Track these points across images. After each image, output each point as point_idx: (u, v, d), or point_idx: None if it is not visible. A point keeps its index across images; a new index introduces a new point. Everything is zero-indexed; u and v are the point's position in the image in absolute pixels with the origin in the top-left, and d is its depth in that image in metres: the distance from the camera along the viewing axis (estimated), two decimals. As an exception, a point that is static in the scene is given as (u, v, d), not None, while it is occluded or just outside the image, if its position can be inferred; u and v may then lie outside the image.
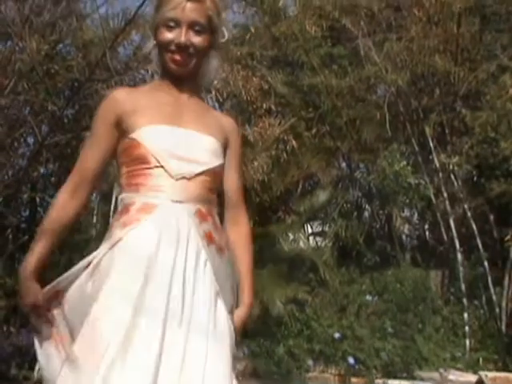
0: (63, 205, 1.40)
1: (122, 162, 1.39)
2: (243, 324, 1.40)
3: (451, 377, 4.45)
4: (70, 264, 1.39)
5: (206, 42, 1.41)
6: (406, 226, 6.52)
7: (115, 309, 1.23)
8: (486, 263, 5.29)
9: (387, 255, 5.91)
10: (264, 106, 5.68)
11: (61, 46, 5.21)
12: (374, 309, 5.17)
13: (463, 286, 5.31)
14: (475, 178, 5.97)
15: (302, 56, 5.95)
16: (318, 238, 6.40)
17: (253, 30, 6.18)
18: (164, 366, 1.21)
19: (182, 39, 1.38)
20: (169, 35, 1.39)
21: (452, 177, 5.56)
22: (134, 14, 4.21)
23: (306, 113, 6.11)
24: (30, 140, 5.38)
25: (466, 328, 5.12)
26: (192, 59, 1.40)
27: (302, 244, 5.86)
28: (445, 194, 5.50)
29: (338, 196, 6.25)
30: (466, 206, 5.45)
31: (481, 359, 4.84)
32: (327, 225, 6.29)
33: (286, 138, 5.59)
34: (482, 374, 4.34)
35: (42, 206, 5.64)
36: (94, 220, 5.63)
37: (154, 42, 1.43)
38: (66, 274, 1.35)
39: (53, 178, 5.91)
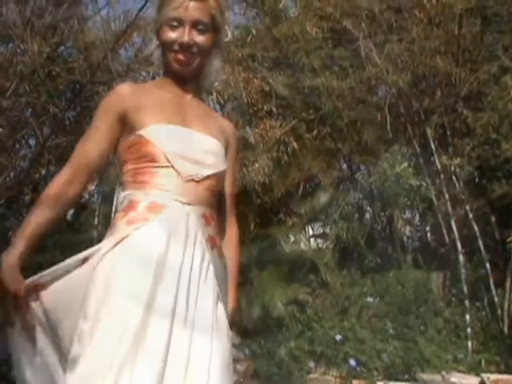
0: (56, 195, 1.35)
1: (127, 159, 1.36)
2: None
3: (453, 379, 4.44)
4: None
5: (209, 41, 1.40)
6: (408, 227, 6.51)
7: (125, 309, 1.22)
8: (487, 265, 5.28)
9: (388, 257, 5.90)
10: (265, 107, 5.68)
11: (62, 48, 5.22)
12: (375, 311, 5.16)
13: (465, 288, 5.29)
14: (477, 180, 5.96)
15: (302, 57, 5.95)
16: (319, 240, 6.40)
17: (254, 32, 6.18)
18: (170, 367, 1.21)
19: (186, 38, 1.37)
20: (172, 35, 1.38)
21: (453, 178, 5.55)
22: (136, 16, 4.22)
23: (307, 114, 6.11)
24: (32, 142, 5.39)
25: (468, 330, 5.11)
26: (195, 59, 1.40)
27: (303, 246, 5.86)
28: (446, 196, 5.49)
29: (339, 198, 6.25)
30: (467, 208, 5.44)
31: (483, 361, 4.82)
32: (328, 226, 6.28)
33: (286, 139, 5.60)
34: (485, 376, 4.33)
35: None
36: (96, 221, 5.64)
37: (157, 42, 1.43)
38: (51, 269, 1.31)
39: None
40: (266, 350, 4.84)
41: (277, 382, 4.64)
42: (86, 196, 6.40)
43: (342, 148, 6.23)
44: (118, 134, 1.37)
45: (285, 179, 5.76)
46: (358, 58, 5.91)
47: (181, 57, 1.38)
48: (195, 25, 1.37)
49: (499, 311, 5.16)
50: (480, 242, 5.33)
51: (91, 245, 1.31)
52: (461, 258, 5.40)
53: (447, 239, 5.64)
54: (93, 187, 5.90)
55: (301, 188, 6.36)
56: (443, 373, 4.51)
